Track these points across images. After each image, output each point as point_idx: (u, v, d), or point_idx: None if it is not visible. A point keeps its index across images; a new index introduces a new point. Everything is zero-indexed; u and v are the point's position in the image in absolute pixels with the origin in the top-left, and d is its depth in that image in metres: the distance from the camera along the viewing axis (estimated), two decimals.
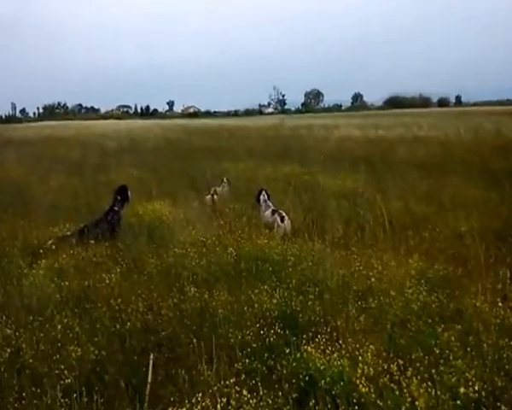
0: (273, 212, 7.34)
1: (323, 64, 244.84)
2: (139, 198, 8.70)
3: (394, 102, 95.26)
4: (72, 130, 36.44)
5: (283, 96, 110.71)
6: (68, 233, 6.56)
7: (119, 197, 6.95)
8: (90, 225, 6.62)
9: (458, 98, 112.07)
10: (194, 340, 4.00)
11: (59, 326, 4.03)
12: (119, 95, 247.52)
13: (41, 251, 5.80)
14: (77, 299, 4.81)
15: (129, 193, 7.09)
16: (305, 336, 3.98)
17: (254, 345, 3.87)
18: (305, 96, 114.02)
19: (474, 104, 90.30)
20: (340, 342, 3.90)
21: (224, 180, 10.10)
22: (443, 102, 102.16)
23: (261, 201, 7.72)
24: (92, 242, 6.01)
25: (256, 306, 4.50)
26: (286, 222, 7.05)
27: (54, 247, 5.93)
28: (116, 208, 6.84)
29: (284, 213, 7.20)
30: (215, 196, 9.23)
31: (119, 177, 11.63)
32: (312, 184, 10.16)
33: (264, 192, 7.79)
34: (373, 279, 5.01)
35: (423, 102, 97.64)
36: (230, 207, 8.34)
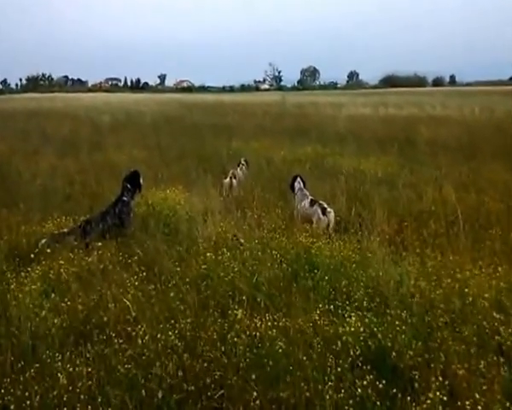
0: (312, 202, 6.10)
1: (318, 41, 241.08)
2: (145, 183, 7.39)
3: (390, 81, 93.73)
4: (60, 103, 33.97)
5: (279, 72, 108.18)
6: (65, 230, 5.24)
7: (128, 185, 5.61)
8: (93, 219, 5.31)
9: (452, 78, 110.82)
10: (255, 393, 2.85)
11: (64, 380, 2.80)
12: (108, 67, 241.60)
13: (32, 255, 4.51)
14: (82, 325, 3.59)
15: (141, 180, 5.77)
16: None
17: (348, 406, 2.69)
18: (302, 73, 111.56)
19: (468, 84, 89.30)
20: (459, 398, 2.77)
21: (242, 162, 8.81)
22: (438, 82, 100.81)
23: (296, 189, 6.46)
24: (100, 244, 4.74)
25: (331, 338, 3.34)
26: (330, 215, 5.83)
27: (48, 249, 4.65)
28: (126, 199, 5.51)
29: (326, 204, 5.98)
30: (233, 181, 7.95)
31: (119, 157, 10.31)
32: (343, 168, 8.91)
33: (299, 179, 6.54)
34: (470, 298, 3.85)
35: (419, 81, 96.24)
36: (255, 194, 7.09)
